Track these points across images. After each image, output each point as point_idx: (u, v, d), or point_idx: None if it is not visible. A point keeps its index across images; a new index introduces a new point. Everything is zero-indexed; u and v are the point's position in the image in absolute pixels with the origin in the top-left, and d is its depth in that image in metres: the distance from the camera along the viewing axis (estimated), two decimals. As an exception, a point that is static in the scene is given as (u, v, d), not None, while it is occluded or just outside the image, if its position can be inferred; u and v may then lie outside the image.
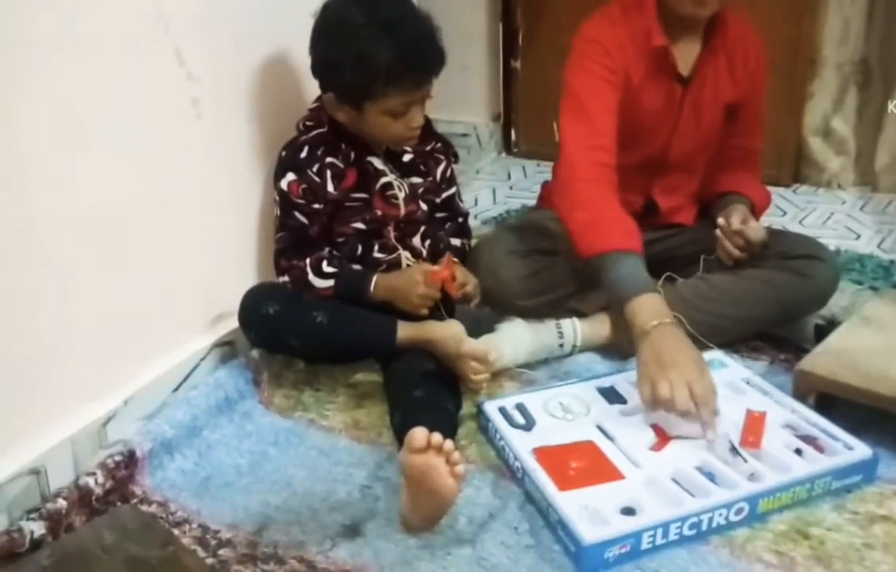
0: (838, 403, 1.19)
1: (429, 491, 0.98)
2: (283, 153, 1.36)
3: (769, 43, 2.14)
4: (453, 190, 1.48)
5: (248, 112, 1.41)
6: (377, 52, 1.21)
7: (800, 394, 1.22)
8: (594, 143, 1.29)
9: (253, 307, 1.28)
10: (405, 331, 1.28)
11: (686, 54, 1.35)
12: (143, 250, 1.22)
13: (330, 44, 1.27)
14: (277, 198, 1.35)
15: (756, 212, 1.45)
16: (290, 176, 1.32)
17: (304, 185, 1.31)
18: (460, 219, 1.51)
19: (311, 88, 1.37)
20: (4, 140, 1.00)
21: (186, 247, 1.31)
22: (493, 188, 2.44)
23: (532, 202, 1.75)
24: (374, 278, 1.32)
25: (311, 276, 1.31)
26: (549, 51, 2.31)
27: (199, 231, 1.33)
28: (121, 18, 1.14)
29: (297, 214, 1.32)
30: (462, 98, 2.64)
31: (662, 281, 1.40)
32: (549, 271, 1.42)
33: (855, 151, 2.29)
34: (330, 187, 1.32)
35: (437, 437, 0.97)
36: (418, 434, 0.97)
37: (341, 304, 1.30)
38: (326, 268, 1.32)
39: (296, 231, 1.33)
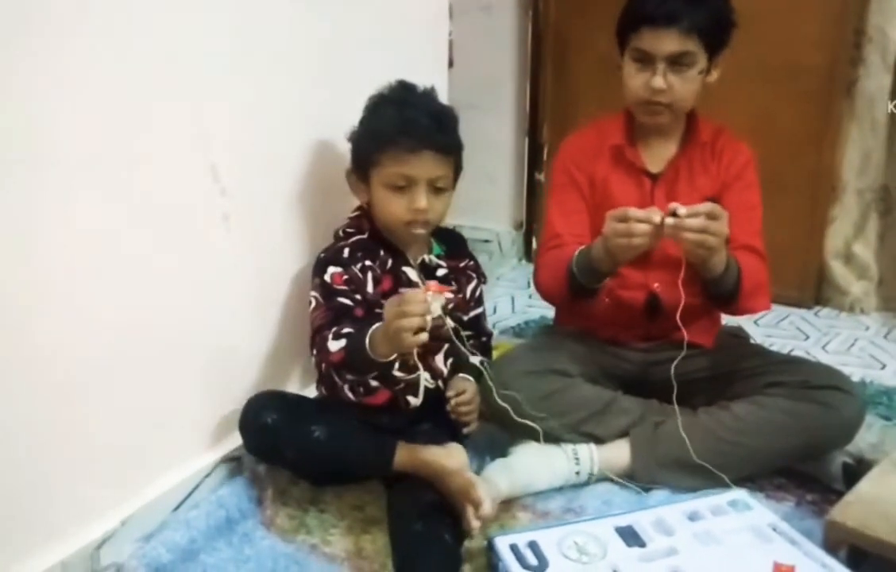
0: (871, 555, 1.12)
1: None
2: (322, 254, 1.34)
3: (790, 169, 2.21)
4: (481, 309, 1.49)
5: (275, 226, 1.42)
6: (380, 119, 1.30)
7: (830, 546, 1.15)
8: (552, 243, 1.50)
9: (252, 413, 1.26)
10: (404, 454, 1.24)
11: (658, 154, 1.48)
12: (156, 362, 1.21)
13: (358, 123, 1.34)
14: (316, 292, 1.30)
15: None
16: (333, 269, 1.30)
17: (346, 277, 1.30)
18: (483, 339, 1.50)
19: (341, 207, 1.40)
20: (24, 262, 0.99)
21: (199, 362, 1.30)
22: (513, 296, 2.43)
23: (550, 312, 1.73)
24: (369, 333, 1.17)
25: (329, 341, 1.22)
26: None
27: (214, 349, 1.32)
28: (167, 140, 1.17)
29: (341, 299, 1.28)
30: (487, 206, 2.73)
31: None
32: (566, 393, 1.40)
33: (877, 277, 2.26)
34: (369, 287, 1.31)
35: None
36: None
37: (343, 420, 1.26)
38: (344, 330, 1.22)
39: (339, 309, 1.27)
